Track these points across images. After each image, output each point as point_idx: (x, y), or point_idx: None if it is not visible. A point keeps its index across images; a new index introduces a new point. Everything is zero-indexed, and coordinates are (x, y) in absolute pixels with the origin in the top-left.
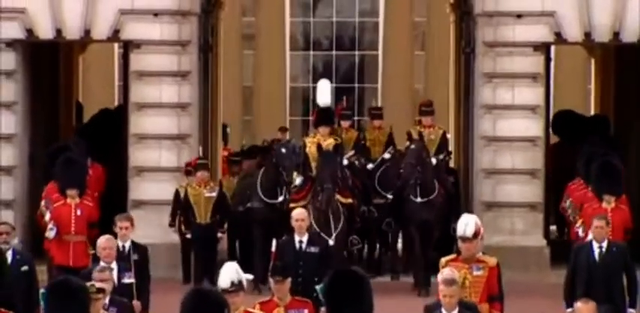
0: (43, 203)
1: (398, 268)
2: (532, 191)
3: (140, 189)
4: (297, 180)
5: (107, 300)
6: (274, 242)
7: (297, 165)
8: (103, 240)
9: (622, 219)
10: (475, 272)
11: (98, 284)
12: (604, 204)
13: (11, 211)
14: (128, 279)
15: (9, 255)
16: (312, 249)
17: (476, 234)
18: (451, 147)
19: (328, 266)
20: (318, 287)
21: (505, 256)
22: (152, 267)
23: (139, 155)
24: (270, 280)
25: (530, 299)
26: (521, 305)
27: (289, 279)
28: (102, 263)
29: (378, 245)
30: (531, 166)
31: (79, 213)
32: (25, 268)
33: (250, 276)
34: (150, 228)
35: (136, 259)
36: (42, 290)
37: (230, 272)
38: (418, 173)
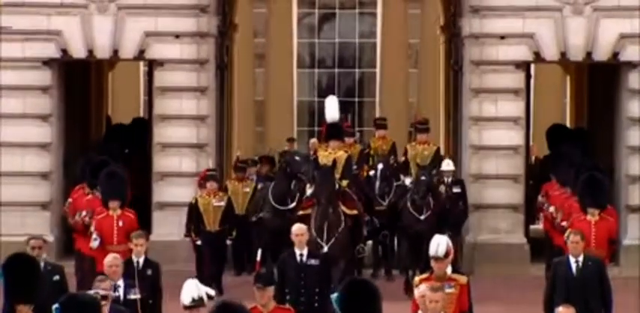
0: (84, 213)
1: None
2: (514, 194)
3: (163, 192)
4: (309, 190)
5: (107, 309)
6: (259, 251)
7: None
8: (110, 258)
9: (606, 230)
10: (447, 290)
11: (102, 292)
12: (588, 217)
13: (48, 212)
14: (133, 295)
15: (40, 267)
16: (313, 262)
17: (447, 254)
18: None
19: (327, 277)
20: (332, 297)
21: (490, 252)
22: (172, 261)
23: (161, 162)
24: (254, 288)
25: (513, 289)
26: (505, 294)
27: (271, 287)
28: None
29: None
30: (513, 172)
31: (120, 224)
32: (56, 278)
33: (212, 291)
34: (171, 227)
35: (150, 274)
36: (55, 306)
37: (190, 289)
38: (416, 192)
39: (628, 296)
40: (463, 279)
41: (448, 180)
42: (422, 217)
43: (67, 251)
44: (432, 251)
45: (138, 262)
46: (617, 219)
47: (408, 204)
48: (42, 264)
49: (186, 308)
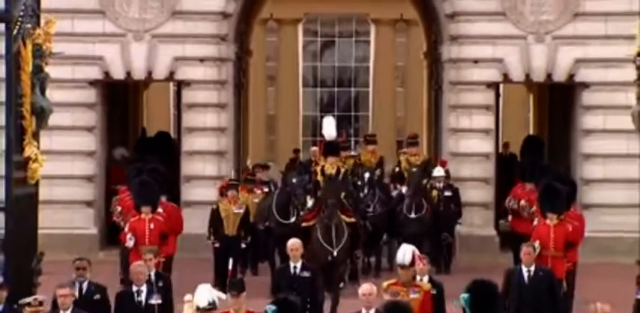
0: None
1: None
2: (485, 194)
3: (189, 192)
4: (309, 202)
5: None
6: (230, 261)
7: (308, 190)
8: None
9: (564, 233)
10: (412, 295)
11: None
12: (548, 221)
13: (92, 209)
14: (155, 300)
15: (84, 286)
16: (305, 274)
17: (412, 263)
18: None
19: (318, 288)
20: (462, 297)
21: (466, 243)
22: (196, 251)
23: (188, 167)
24: (227, 294)
25: (484, 274)
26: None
27: (244, 294)
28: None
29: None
30: (485, 175)
31: (152, 226)
32: (97, 297)
33: (223, 295)
34: (196, 222)
35: (161, 286)
36: (273, 307)
37: (206, 293)
38: (410, 194)
39: (585, 280)
40: (427, 286)
41: (440, 184)
42: (414, 216)
43: (107, 243)
44: (398, 259)
45: (149, 275)
46: (583, 222)
47: (404, 207)
48: (86, 284)
49: (199, 310)
